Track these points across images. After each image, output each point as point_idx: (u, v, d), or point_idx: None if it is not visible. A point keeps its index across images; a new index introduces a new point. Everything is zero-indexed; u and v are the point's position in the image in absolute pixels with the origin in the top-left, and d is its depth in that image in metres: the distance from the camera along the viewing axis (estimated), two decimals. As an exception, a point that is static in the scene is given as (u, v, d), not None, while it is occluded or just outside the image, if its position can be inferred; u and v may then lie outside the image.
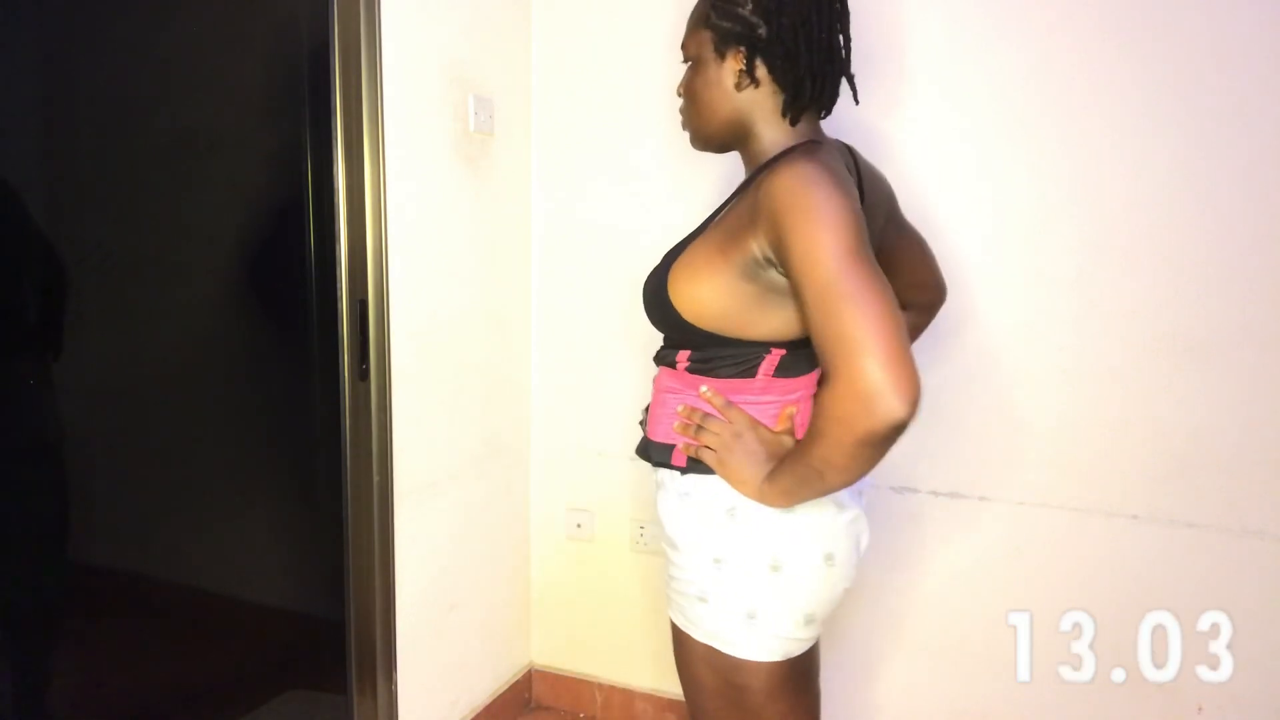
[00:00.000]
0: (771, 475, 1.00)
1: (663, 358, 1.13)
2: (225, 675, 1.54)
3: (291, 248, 1.50)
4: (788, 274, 0.94)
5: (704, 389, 1.07)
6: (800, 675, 1.10)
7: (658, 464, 1.13)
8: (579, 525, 1.90)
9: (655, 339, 1.16)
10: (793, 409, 1.06)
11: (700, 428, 1.06)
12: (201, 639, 1.50)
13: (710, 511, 1.05)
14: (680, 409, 1.09)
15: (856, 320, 0.85)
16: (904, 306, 1.28)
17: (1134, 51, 1.40)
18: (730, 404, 1.06)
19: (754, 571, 1.03)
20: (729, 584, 1.04)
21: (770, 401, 1.05)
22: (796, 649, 1.07)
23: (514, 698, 1.92)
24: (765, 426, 1.05)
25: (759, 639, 1.04)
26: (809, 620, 1.06)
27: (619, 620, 1.89)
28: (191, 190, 1.39)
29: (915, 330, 1.36)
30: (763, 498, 1.01)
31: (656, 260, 1.14)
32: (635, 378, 1.80)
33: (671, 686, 1.84)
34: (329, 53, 1.38)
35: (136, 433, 1.39)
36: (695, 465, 1.07)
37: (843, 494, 1.06)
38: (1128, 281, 1.44)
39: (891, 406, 0.83)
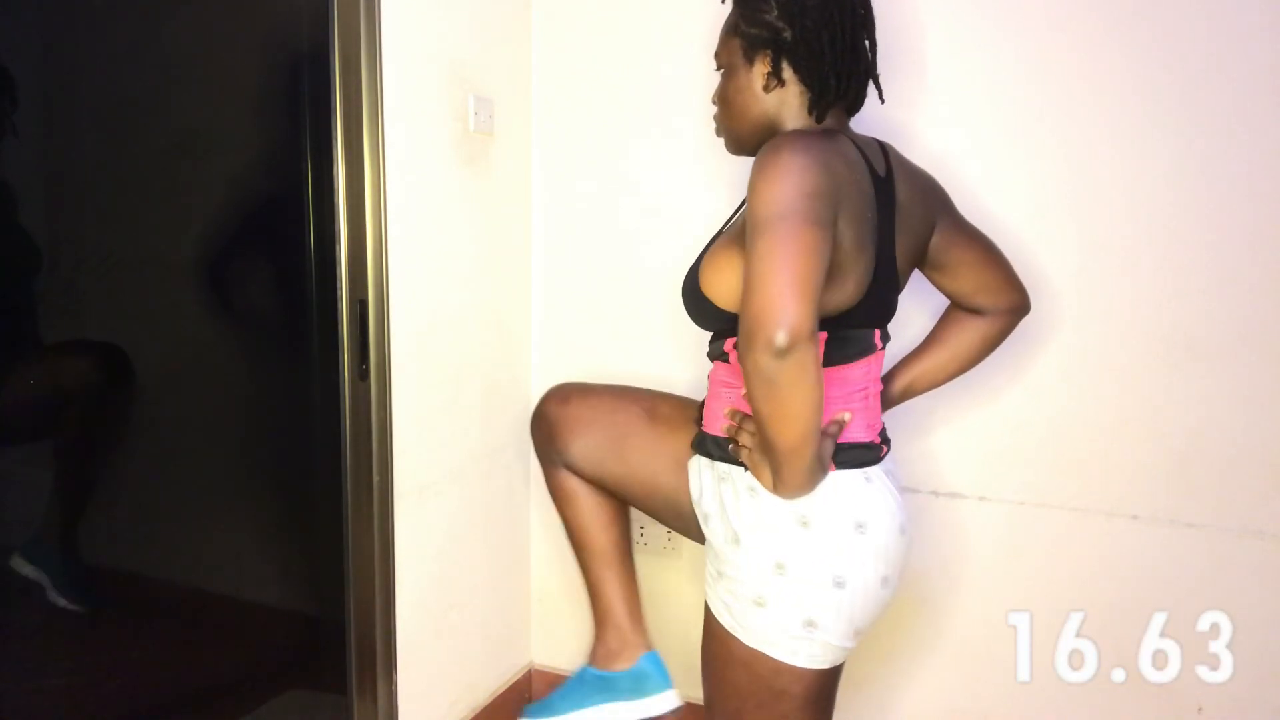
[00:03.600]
0: None
1: (714, 352, 1.16)
2: (225, 675, 1.54)
3: (291, 248, 1.50)
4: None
5: (727, 410, 1.10)
6: (834, 683, 1.14)
7: (719, 458, 1.13)
8: (579, 525, 1.90)
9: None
10: (847, 415, 1.08)
11: (740, 428, 1.08)
12: (201, 639, 1.50)
13: (782, 515, 1.05)
14: (725, 411, 1.12)
15: (765, 255, 0.90)
16: (976, 311, 1.30)
17: (1134, 51, 1.40)
18: None
19: (819, 584, 1.04)
20: (791, 592, 1.05)
21: (824, 396, 1.06)
22: (842, 658, 1.10)
23: (514, 698, 1.92)
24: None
25: (812, 647, 1.06)
26: (858, 633, 1.09)
27: (619, 620, 1.89)
28: (191, 190, 1.39)
29: (992, 338, 1.32)
30: (774, 488, 1.03)
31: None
32: (635, 377, 1.79)
33: (682, 686, 1.84)
34: (329, 52, 1.38)
35: (136, 432, 1.39)
36: None
37: (905, 519, 1.11)
38: (1128, 281, 1.44)
39: (768, 333, 0.87)
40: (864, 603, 1.07)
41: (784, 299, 0.87)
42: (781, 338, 0.86)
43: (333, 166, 1.40)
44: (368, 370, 1.44)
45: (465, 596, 1.73)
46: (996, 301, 1.29)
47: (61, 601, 1.29)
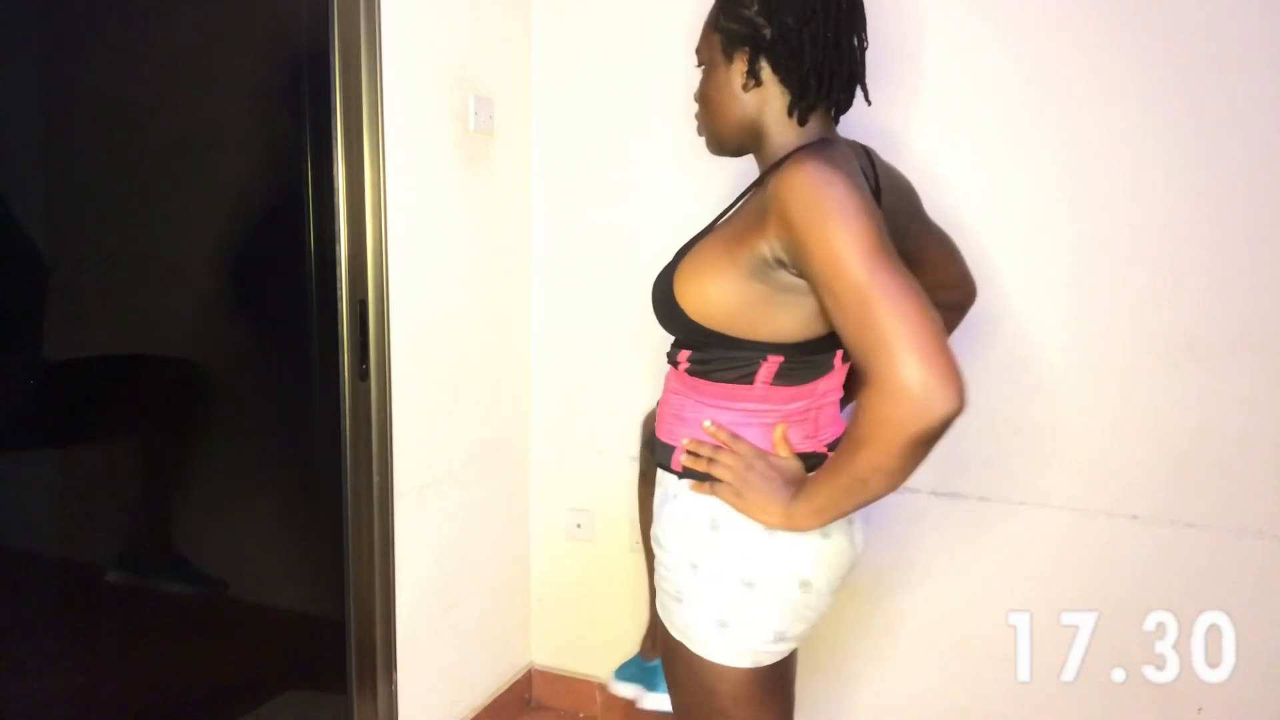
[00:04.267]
0: (802, 495, 0.97)
1: (670, 357, 1.13)
2: (225, 675, 1.54)
3: (291, 248, 1.50)
4: (809, 278, 0.92)
5: (707, 424, 1.06)
6: (770, 683, 1.09)
7: (658, 463, 1.13)
8: (579, 525, 1.90)
9: (655, 338, 1.16)
10: (783, 427, 1.05)
11: (712, 460, 1.04)
12: (201, 639, 1.50)
13: (694, 518, 1.05)
14: (685, 442, 1.08)
15: (894, 320, 0.84)
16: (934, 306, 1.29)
17: (1134, 51, 1.40)
18: (737, 437, 1.05)
19: (728, 584, 1.03)
20: (703, 590, 1.04)
21: (769, 410, 1.05)
22: (767, 659, 1.06)
23: (514, 698, 1.92)
24: (772, 454, 1.04)
25: (728, 645, 1.04)
26: (779, 638, 1.05)
27: (619, 620, 1.89)
28: (191, 190, 1.39)
29: (947, 330, 1.34)
30: (791, 522, 0.98)
31: (657, 260, 1.14)
32: (635, 378, 1.80)
33: (671, 686, 1.84)
34: (329, 53, 1.38)
35: (136, 432, 1.39)
36: (690, 472, 1.06)
37: (832, 525, 1.04)
38: (1128, 281, 1.44)
39: (942, 402, 0.83)
40: (780, 606, 1.03)
41: (945, 364, 0.83)
42: (958, 407, 0.84)
43: (333, 166, 1.40)
44: (368, 370, 1.44)
45: (465, 596, 1.73)
46: (953, 297, 1.30)
47: (184, 589, 1.36)
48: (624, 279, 1.78)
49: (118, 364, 1.34)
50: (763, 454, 1.03)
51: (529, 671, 1.98)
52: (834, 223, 0.88)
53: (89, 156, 1.27)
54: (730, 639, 1.04)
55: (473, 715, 1.78)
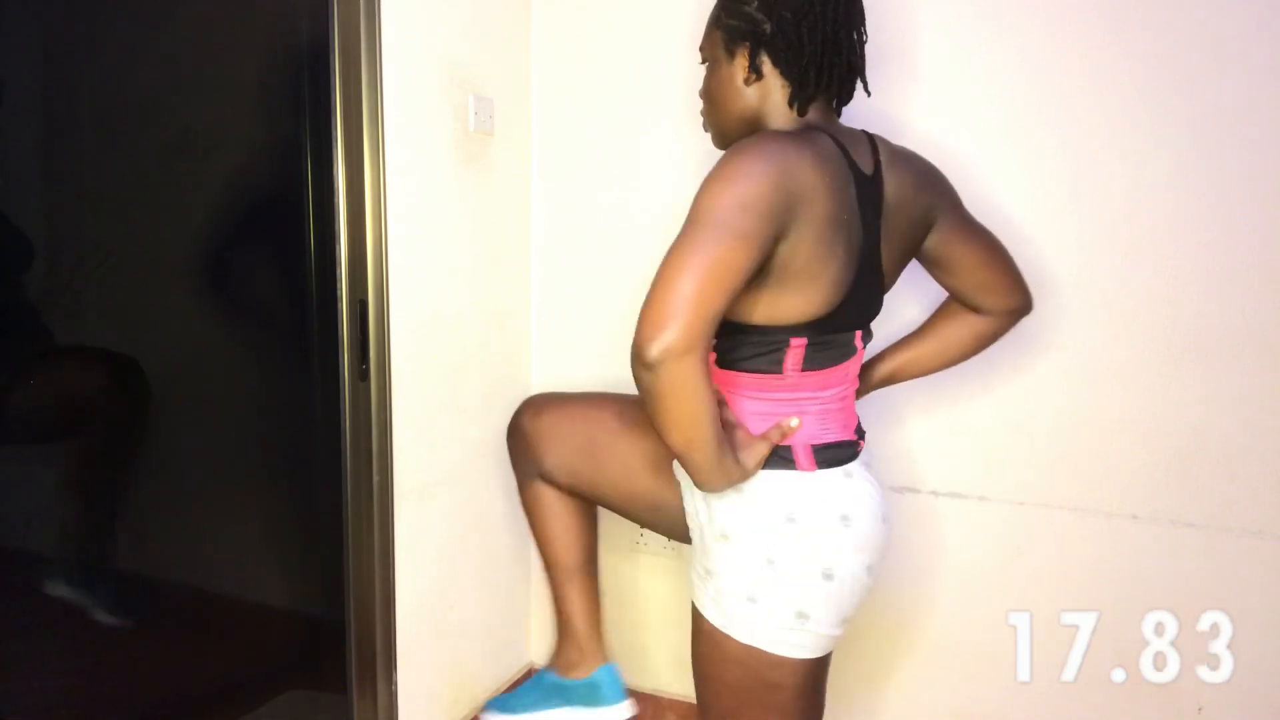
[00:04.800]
0: None
1: None
2: (225, 675, 1.54)
3: (291, 247, 1.50)
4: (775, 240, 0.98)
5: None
6: (825, 671, 1.16)
7: None
8: (579, 525, 1.90)
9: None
10: (795, 420, 1.09)
11: None
12: (201, 639, 1.50)
13: (769, 513, 1.07)
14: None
15: (675, 254, 0.92)
16: (977, 311, 1.29)
17: (1134, 51, 1.40)
18: (724, 403, 1.11)
19: (808, 577, 1.06)
20: (782, 586, 1.06)
21: (808, 399, 1.08)
22: (832, 646, 1.12)
23: (514, 698, 1.91)
24: (745, 429, 1.08)
25: (803, 638, 1.08)
26: (845, 621, 1.11)
27: (619, 621, 1.89)
28: (191, 190, 1.39)
29: (985, 337, 1.31)
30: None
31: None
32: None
33: (671, 686, 1.84)
34: (329, 53, 1.38)
35: (149, 425, 1.39)
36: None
37: (886, 508, 1.13)
38: (1128, 281, 1.44)
39: (644, 344, 0.90)
40: (851, 591, 1.09)
41: (669, 312, 0.89)
42: (654, 351, 0.89)
43: (333, 166, 1.40)
44: (368, 370, 1.44)
45: (465, 596, 1.73)
46: (997, 302, 1.28)
47: (107, 619, 1.29)
48: (625, 279, 1.78)
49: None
50: (740, 425, 1.09)
51: (529, 671, 1.98)
52: (705, 184, 0.97)
53: (89, 156, 1.28)
54: (809, 631, 1.07)
55: (473, 715, 1.78)
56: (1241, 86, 1.36)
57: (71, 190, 1.26)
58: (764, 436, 1.07)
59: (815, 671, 1.13)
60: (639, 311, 0.92)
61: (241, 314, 1.51)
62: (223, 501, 1.51)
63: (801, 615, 1.06)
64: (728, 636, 1.09)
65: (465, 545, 1.73)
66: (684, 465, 1.02)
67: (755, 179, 0.94)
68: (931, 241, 1.21)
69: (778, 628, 1.06)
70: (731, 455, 1.03)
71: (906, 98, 1.53)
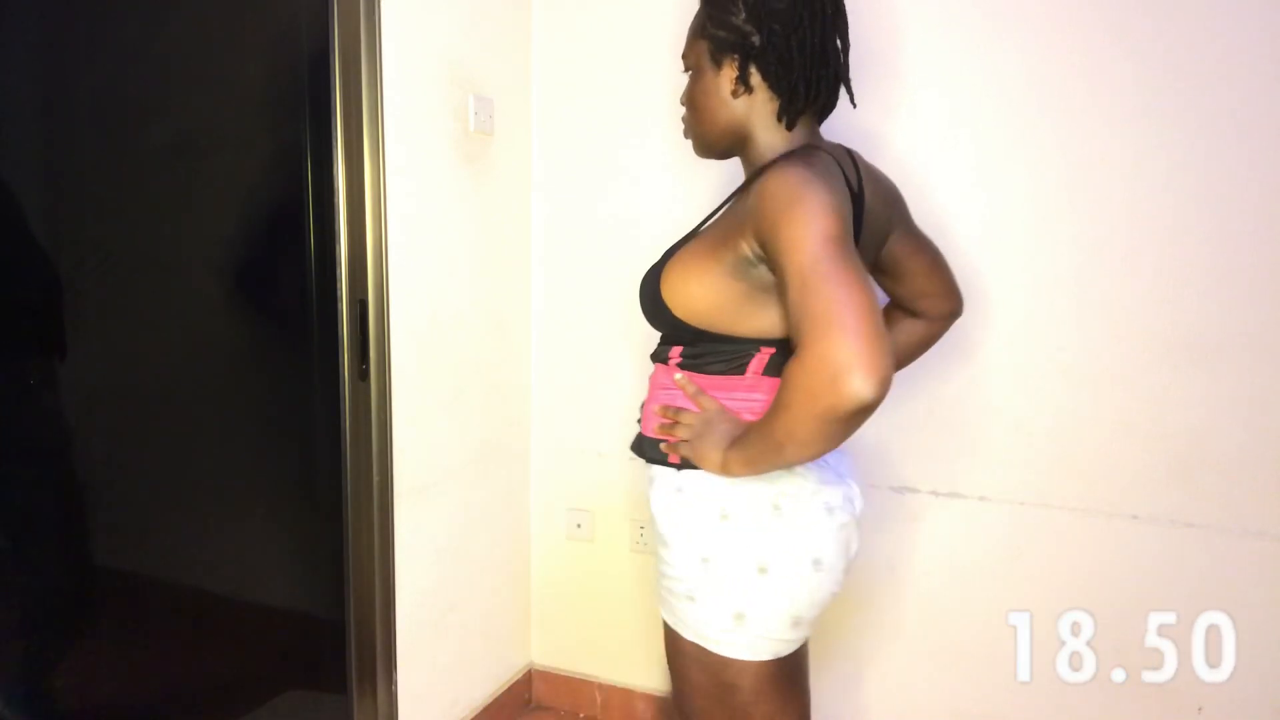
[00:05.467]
0: (736, 445, 1.00)
1: (658, 355, 1.16)
2: (225, 675, 1.54)
3: (291, 248, 1.50)
4: (773, 265, 0.95)
5: (678, 376, 1.09)
6: (788, 675, 1.11)
7: (650, 460, 1.14)
8: (579, 525, 1.90)
9: (655, 339, 1.17)
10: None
11: (675, 423, 1.08)
12: (201, 639, 1.50)
13: (702, 511, 1.06)
14: (657, 409, 1.12)
15: (831, 298, 0.86)
16: (915, 316, 1.32)
17: (1134, 51, 1.40)
18: (702, 391, 1.08)
19: (741, 573, 1.04)
20: (716, 584, 1.05)
21: (759, 400, 1.07)
22: (784, 649, 1.08)
23: (514, 698, 1.92)
24: (737, 413, 1.06)
25: (746, 639, 1.05)
26: (796, 622, 1.06)
27: (619, 620, 1.89)
28: (192, 191, 1.39)
29: (926, 341, 1.36)
30: (725, 467, 1.01)
31: (656, 259, 1.15)
32: (635, 378, 1.80)
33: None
34: (329, 53, 1.38)
35: (137, 433, 1.39)
36: (688, 462, 1.08)
37: (834, 499, 1.07)
38: (1128, 281, 1.44)
39: (858, 384, 0.82)
40: (795, 589, 1.04)
41: (872, 350, 0.83)
42: (873, 392, 0.82)
43: (333, 167, 1.40)
44: (368, 370, 1.44)
45: (465, 596, 1.73)
46: (937, 307, 1.32)
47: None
48: (624, 279, 1.78)
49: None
50: (724, 411, 1.06)
51: (529, 671, 1.98)
52: (799, 212, 0.91)
53: (89, 157, 1.28)
54: (748, 630, 1.05)
55: (473, 715, 1.78)
56: (1241, 86, 1.36)
57: (72, 191, 1.26)
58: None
59: (775, 675, 1.08)
60: (820, 353, 0.85)
61: (242, 314, 1.50)
62: (223, 501, 1.51)
63: (738, 616, 1.04)
64: (677, 635, 1.10)
65: (465, 545, 1.73)
66: (780, 466, 0.99)
67: (833, 200, 0.93)
68: (885, 252, 1.24)
69: (717, 628, 1.05)
70: None
71: (905, 99, 1.53)
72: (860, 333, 0.83)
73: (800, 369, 0.87)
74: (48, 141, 1.24)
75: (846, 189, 1.02)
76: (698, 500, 1.06)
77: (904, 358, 1.37)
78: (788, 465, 0.99)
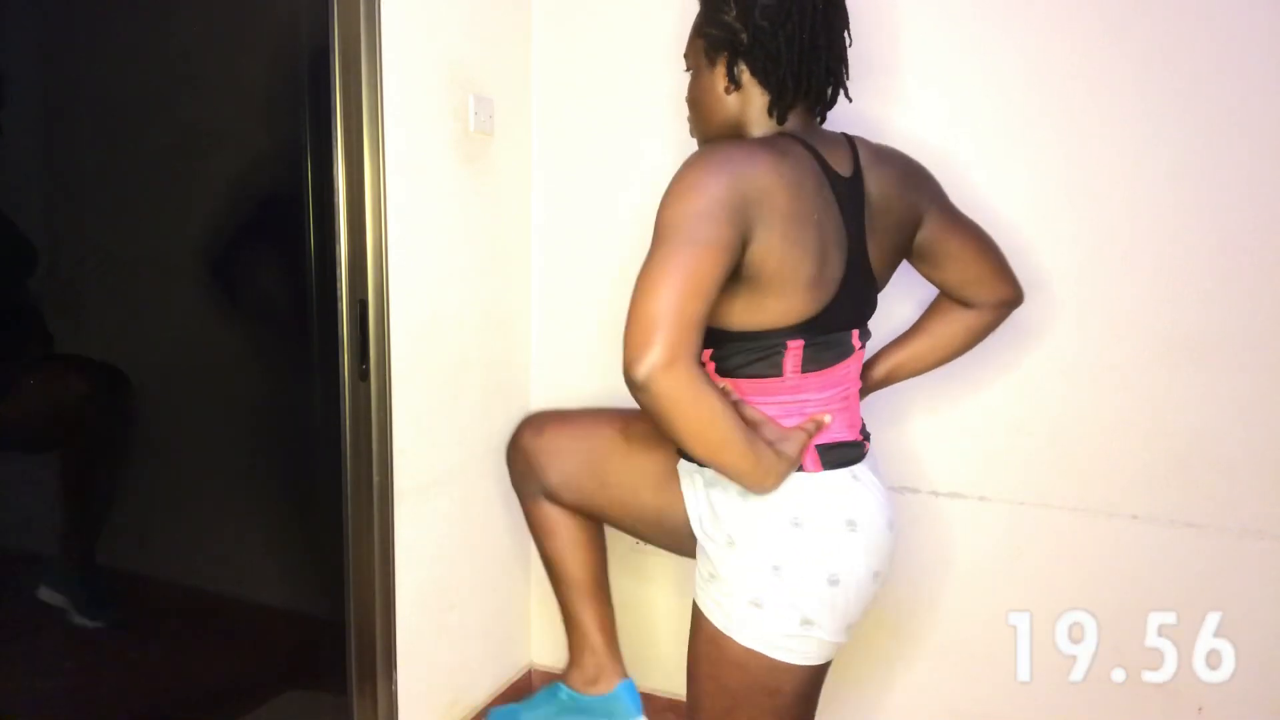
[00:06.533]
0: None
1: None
2: (225, 675, 1.54)
3: (291, 248, 1.50)
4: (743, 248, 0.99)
5: (723, 387, 1.08)
6: (824, 677, 1.14)
7: (704, 464, 1.13)
8: (579, 525, 1.90)
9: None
10: (827, 417, 1.09)
11: None
12: (201, 639, 1.50)
13: (774, 517, 1.06)
14: None
15: (640, 282, 0.93)
16: (966, 305, 1.29)
17: (1133, 50, 1.40)
18: (741, 401, 1.08)
19: (814, 583, 1.05)
20: (787, 592, 1.05)
21: (806, 400, 1.07)
22: (835, 653, 1.11)
23: (514, 698, 1.91)
24: (775, 423, 1.06)
25: (808, 645, 1.07)
26: (850, 628, 1.10)
27: (619, 620, 1.89)
28: (191, 190, 1.39)
29: (978, 332, 1.31)
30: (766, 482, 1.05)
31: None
32: (635, 378, 1.80)
33: (671, 686, 1.84)
34: (329, 53, 1.38)
35: (136, 432, 1.39)
36: None
37: (887, 516, 1.11)
38: (1128, 281, 1.44)
39: (635, 369, 0.90)
40: (857, 598, 1.08)
41: (648, 329, 0.89)
42: (641, 371, 0.89)
43: (333, 166, 1.40)
44: (368, 370, 1.44)
45: (465, 596, 1.73)
46: (986, 295, 1.28)
47: (85, 622, 1.29)
48: (625, 279, 1.77)
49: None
50: (765, 422, 1.06)
51: (529, 671, 1.98)
52: (664, 199, 0.98)
53: (89, 156, 1.28)
54: (813, 637, 1.07)
55: (473, 715, 1.78)
56: (1241, 86, 1.36)
57: (72, 190, 1.26)
58: (799, 428, 1.06)
59: (815, 678, 1.12)
60: (623, 339, 0.93)
61: (242, 314, 1.51)
62: (223, 501, 1.51)
63: (807, 622, 1.05)
64: (730, 640, 1.08)
65: (465, 545, 1.73)
66: (724, 474, 1.02)
67: (708, 187, 0.95)
68: (920, 238, 1.21)
69: (782, 634, 1.06)
70: (769, 448, 1.02)
71: (905, 98, 1.53)
72: (638, 316, 0.91)
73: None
74: (47, 141, 1.24)
75: (817, 170, 1.04)
76: (770, 507, 1.06)
77: (955, 349, 1.33)
78: (711, 464, 1.01)
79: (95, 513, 1.36)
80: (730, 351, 1.08)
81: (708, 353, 1.11)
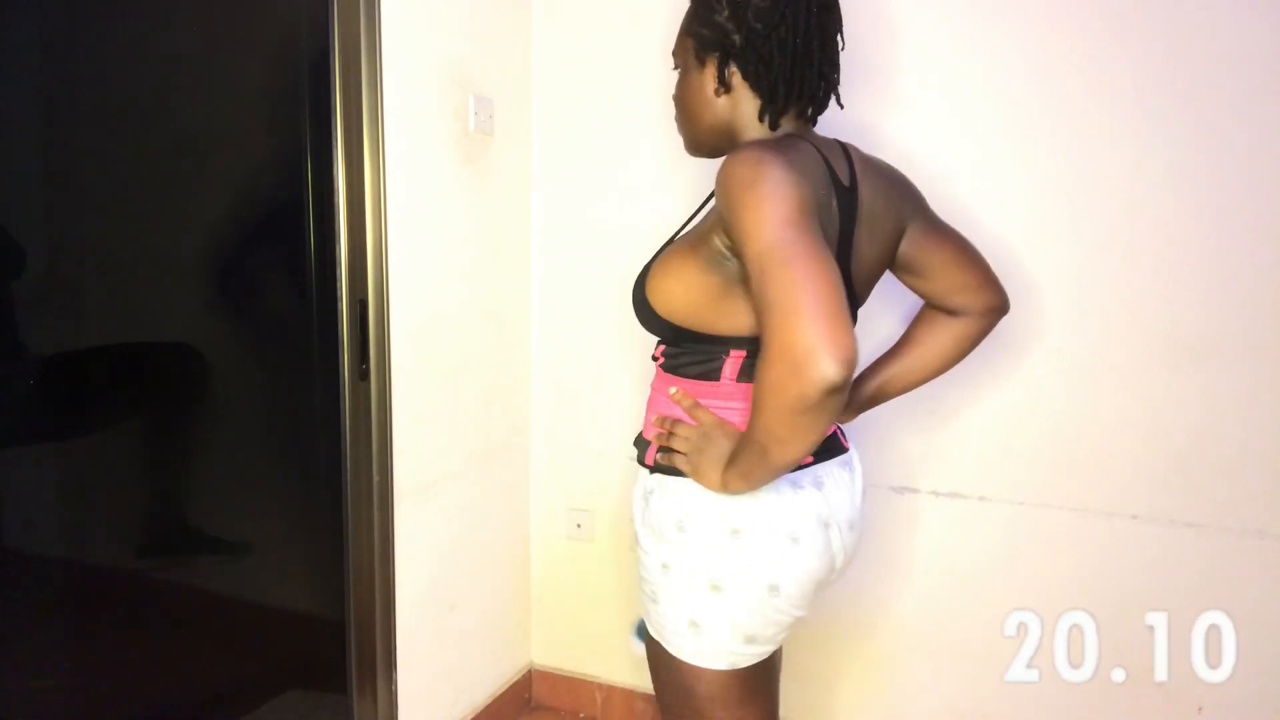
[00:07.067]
0: (731, 461, 0.98)
1: (654, 355, 1.17)
2: (225, 675, 1.54)
3: (291, 248, 1.50)
4: (736, 252, 0.94)
5: (673, 390, 1.09)
6: (750, 685, 1.08)
7: (638, 460, 1.15)
8: (579, 525, 1.90)
9: (654, 339, 1.17)
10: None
11: (671, 434, 1.07)
12: (201, 639, 1.50)
13: (662, 520, 1.06)
14: (654, 419, 1.12)
15: (789, 283, 0.83)
16: (953, 313, 1.25)
17: (1134, 50, 1.40)
18: (698, 405, 1.07)
19: (696, 586, 1.04)
20: (674, 591, 1.05)
21: (737, 408, 1.06)
22: (742, 662, 1.06)
23: (514, 698, 1.92)
24: (733, 425, 1.05)
25: (702, 646, 1.05)
26: (750, 640, 1.05)
27: (619, 620, 1.89)
28: (191, 191, 1.39)
29: (968, 339, 1.27)
30: (725, 486, 1.00)
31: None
32: (635, 378, 1.80)
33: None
34: (329, 53, 1.38)
35: (136, 432, 1.39)
36: (660, 466, 1.08)
37: (800, 528, 1.03)
38: (1128, 281, 1.44)
39: (821, 368, 0.80)
40: (748, 610, 1.03)
41: (832, 329, 0.80)
42: (837, 372, 0.80)
43: (333, 167, 1.40)
44: (368, 370, 1.44)
45: (465, 596, 1.73)
46: (974, 301, 1.24)
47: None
48: (624, 279, 1.77)
49: (114, 356, 1.33)
50: (722, 424, 1.04)
51: (529, 671, 1.98)
52: (753, 197, 0.89)
53: (89, 157, 1.27)
54: (703, 640, 1.04)
55: (473, 715, 1.78)
56: (1241, 86, 1.36)
57: (72, 191, 1.26)
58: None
59: (732, 683, 1.06)
60: (785, 338, 0.82)
61: (242, 314, 1.51)
62: (223, 501, 1.51)
63: (693, 624, 1.04)
64: (649, 633, 1.12)
65: (465, 545, 1.73)
66: (772, 470, 0.94)
67: (795, 184, 0.90)
68: (903, 249, 1.18)
69: (674, 632, 1.06)
70: None
71: (905, 98, 1.53)
72: (817, 314, 0.81)
73: (766, 363, 0.85)
74: (47, 141, 1.24)
75: (828, 178, 1.01)
76: (661, 508, 1.07)
77: (945, 360, 1.29)
78: (779, 470, 0.95)
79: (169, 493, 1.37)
80: (682, 350, 1.08)
81: (661, 348, 1.11)
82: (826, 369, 0.80)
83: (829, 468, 1.09)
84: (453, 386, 1.64)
